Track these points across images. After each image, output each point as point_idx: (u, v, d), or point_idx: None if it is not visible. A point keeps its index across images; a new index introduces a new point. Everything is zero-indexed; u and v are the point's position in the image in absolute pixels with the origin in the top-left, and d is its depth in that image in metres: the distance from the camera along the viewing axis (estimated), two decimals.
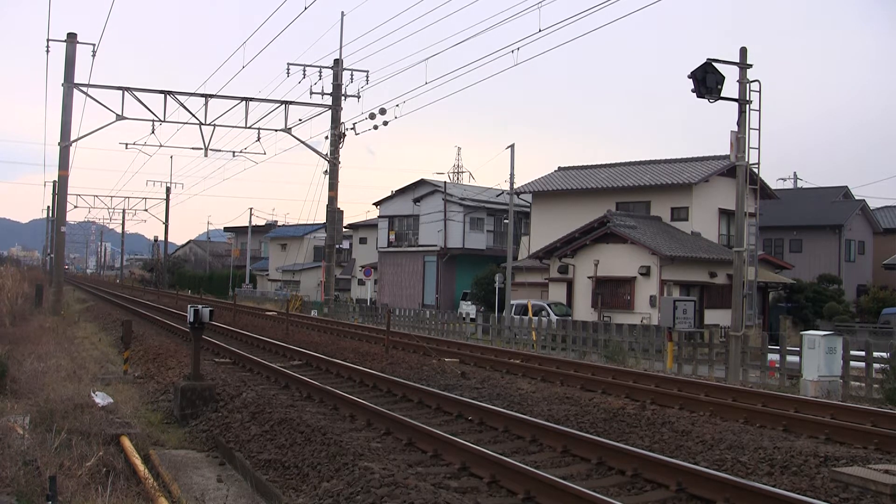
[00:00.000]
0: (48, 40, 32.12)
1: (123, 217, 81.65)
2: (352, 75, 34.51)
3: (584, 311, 32.24)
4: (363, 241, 60.26)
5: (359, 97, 34.94)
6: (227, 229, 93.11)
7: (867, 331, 30.69)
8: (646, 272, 30.67)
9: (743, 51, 20.05)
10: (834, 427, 10.57)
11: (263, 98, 33.19)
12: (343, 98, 34.87)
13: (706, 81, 18.74)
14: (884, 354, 16.49)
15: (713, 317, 30.70)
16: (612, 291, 31.86)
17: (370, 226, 58.34)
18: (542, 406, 12.21)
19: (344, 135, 34.96)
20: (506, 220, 39.53)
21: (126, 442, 9.12)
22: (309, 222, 56.68)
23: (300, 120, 39.08)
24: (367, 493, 6.90)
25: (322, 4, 26.37)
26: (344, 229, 43.67)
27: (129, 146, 37.18)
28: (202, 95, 32.09)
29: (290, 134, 33.84)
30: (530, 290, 37.27)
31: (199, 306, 11.67)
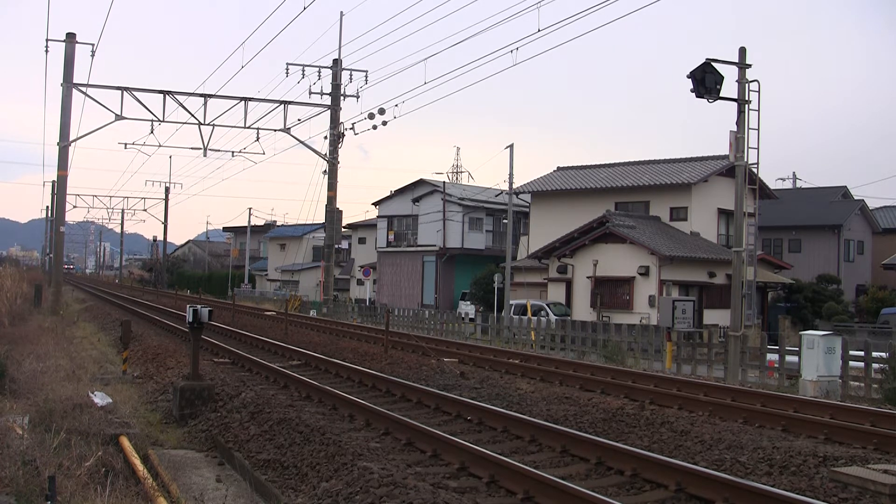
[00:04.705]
0: (47, 40, 32.06)
1: (122, 217, 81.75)
2: (351, 75, 34.53)
3: (583, 310, 32.24)
4: (362, 241, 60.25)
5: (357, 97, 34.97)
6: (226, 229, 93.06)
7: (866, 331, 30.69)
8: (645, 272, 30.68)
9: (742, 51, 20.06)
10: (833, 427, 10.57)
11: (262, 98, 33.21)
12: (342, 98, 34.87)
13: (705, 81, 18.77)
14: (883, 354, 16.48)
15: (712, 317, 30.70)
16: (611, 291, 31.87)
17: (369, 226, 58.33)
18: (540, 406, 12.22)
19: (343, 135, 34.97)
20: (505, 220, 39.54)
21: (125, 442, 9.11)
22: (308, 222, 56.68)
23: (299, 120, 38.94)
24: (366, 493, 6.90)
25: (321, 4, 26.37)
26: (343, 229, 43.66)
27: (128, 146, 37.22)
28: (201, 95, 32.10)
29: (289, 134, 33.86)
30: (529, 290, 37.26)
31: (198, 306, 11.67)
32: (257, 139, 34.67)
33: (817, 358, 16.09)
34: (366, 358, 17.96)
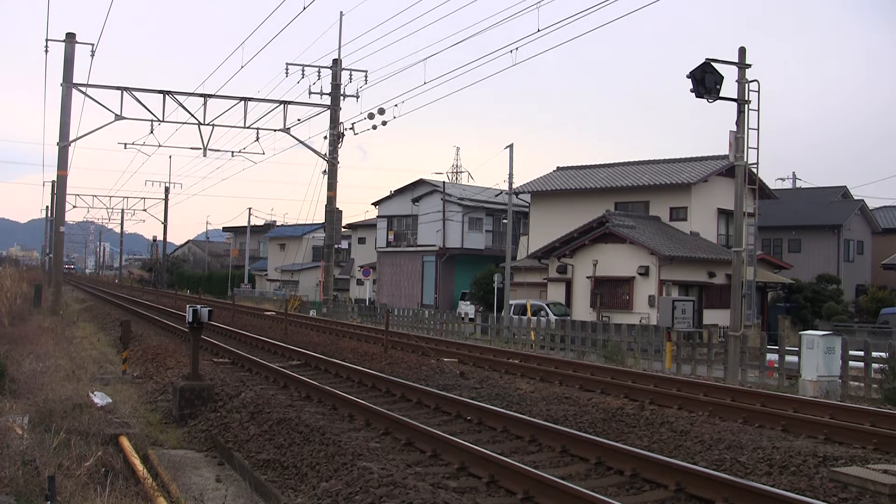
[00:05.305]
0: (47, 40, 32.04)
1: (122, 217, 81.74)
2: (350, 75, 34.51)
3: (582, 310, 32.25)
4: (362, 241, 60.26)
5: (357, 97, 34.92)
6: (225, 229, 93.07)
7: (866, 331, 30.70)
8: (644, 272, 30.68)
9: (742, 51, 20.07)
10: (833, 427, 10.57)
11: (262, 98, 33.18)
12: (342, 98, 34.86)
13: (705, 81, 18.78)
14: (882, 354, 16.48)
15: (712, 317, 30.71)
16: (610, 291, 31.87)
17: (369, 226, 58.34)
18: (540, 406, 12.22)
19: (343, 135, 34.96)
20: (504, 220, 39.55)
21: (125, 442, 9.11)
22: (307, 222, 56.70)
23: (299, 120, 38.91)
24: (365, 493, 6.90)
25: (321, 4, 26.35)
26: (343, 229, 43.66)
27: (127, 146, 37.20)
28: (201, 95, 32.09)
29: (288, 134, 33.84)
30: (529, 290, 37.27)
31: (198, 306, 11.67)
32: (257, 139, 34.71)
33: (817, 358, 16.09)
34: (365, 358, 17.96)
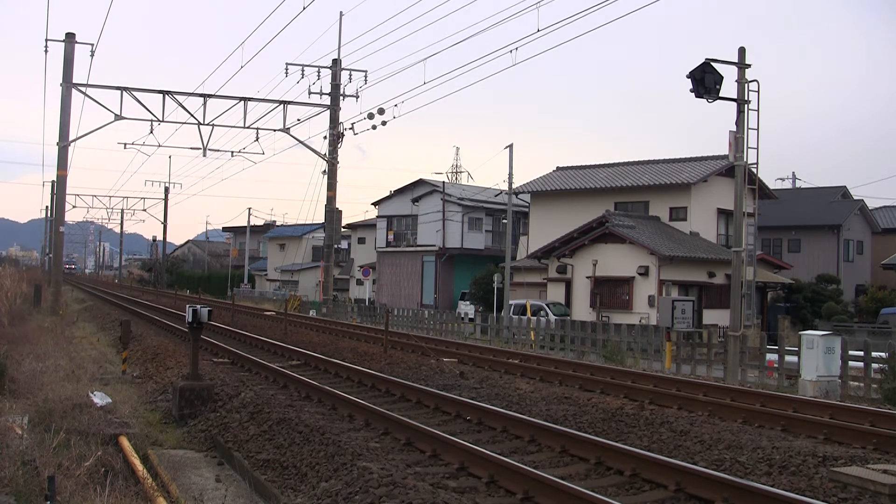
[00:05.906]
0: (46, 40, 32.03)
1: (122, 217, 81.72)
2: (350, 75, 34.51)
3: (582, 310, 32.25)
4: (362, 241, 60.27)
5: (357, 97, 34.91)
6: (225, 229, 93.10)
7: (866, 331, 30.70)
8: (644, 272, 30.68)
9: (741, 51, 20.08)
10: (832, 427, 10.57)
11: (262, 98, 33.17)
12: (341, 98, 34.86)
13: (704, 81, 18.78)
14: (882, 354, 16.48)
15: (712, 317, 30.70)
16: (610, 291, 31.87)
17: (369, 226, 58.35)
18: (540, 406, 12.21)
19: (342, 135, 34.96)
20: (504, 220, 39.55)
21: (124, 442, 9.11)
22: (307, 222, 56.70)
23: (298, 120, 38.84)
24: (365, 493, 6.90)
25: (320, 4, 26.34)
26: (342, 229, 43.65)
27: (127, 146, 37.19)
28: (201, 95, 32.08)
29: (288, 134, 33.84)
30: (529, 290, 37.26)
31: (198, 306, 11.67)
32: (257, 139, 34.69)
33: (817, 358, 16.09)
34: (365, 358, 17.96)
